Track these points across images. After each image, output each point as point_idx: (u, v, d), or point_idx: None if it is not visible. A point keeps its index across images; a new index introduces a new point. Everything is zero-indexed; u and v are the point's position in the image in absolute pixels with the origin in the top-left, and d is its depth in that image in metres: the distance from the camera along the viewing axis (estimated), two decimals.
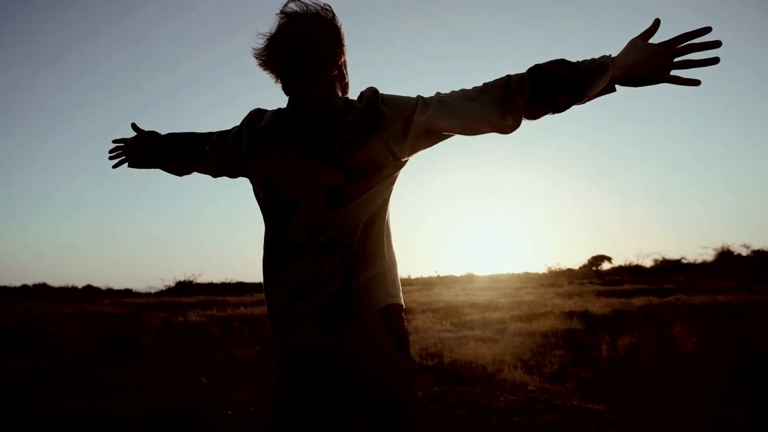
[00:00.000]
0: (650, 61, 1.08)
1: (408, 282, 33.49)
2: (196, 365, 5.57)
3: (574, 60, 1.11)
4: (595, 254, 32.56)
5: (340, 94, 1.25)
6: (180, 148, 1.46)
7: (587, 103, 1.15)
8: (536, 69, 1.10)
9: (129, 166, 1.56)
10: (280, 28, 1.18)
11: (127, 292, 27.70)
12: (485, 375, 4.54)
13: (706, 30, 1.06)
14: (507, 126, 1.11)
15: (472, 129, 1.13)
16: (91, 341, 6.93)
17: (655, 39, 1.10)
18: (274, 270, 1.18)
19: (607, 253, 32.20)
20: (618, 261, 31.28)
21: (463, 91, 1.14)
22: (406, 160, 1.18)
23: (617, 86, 1.15)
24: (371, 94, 1.15)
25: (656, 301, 10.59)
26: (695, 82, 1.08)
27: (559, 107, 1.10)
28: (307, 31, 1.16)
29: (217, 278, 30.83)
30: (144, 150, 1.52)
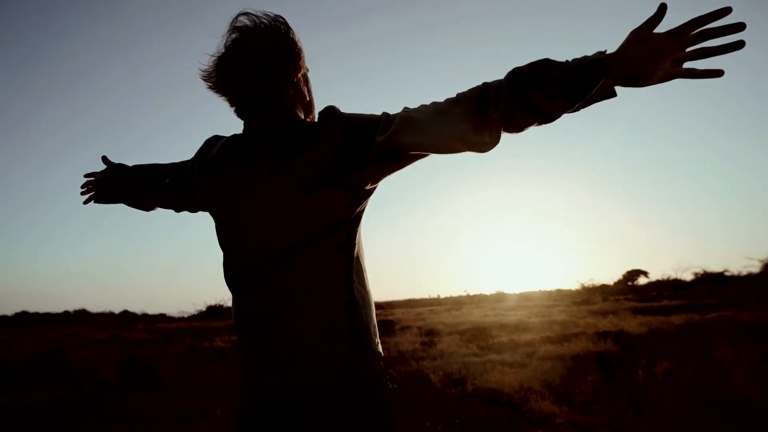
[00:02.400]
0: (657, 54, 0.89)
1: (437, 302, 33.05)
2: (214, 394, 5.45)
3: (562, 59, 0.94)
4: (630, 268, 31.41)
5: (302, 115, 1.13)
6: (142, 181, 1.36)
7: (583, 109, 0.97)
8: (515, 73, 0.93)
9: (95, 201, 1.47)
10: (228, 45, 1.07)
11: (161, 317, 28.22)
12: (511, 405, 4.26)
13: (725, 11, 0.87)
14: (483, 143, 0.94)
15: (443, 147, 0.97)
16: (114, 369, 6.94)
17: (661, 28, 0.91)
18: (242, 301, 1.06)
19: (643, 267, 30.99)
20: (655, 275, 30.02)
21: (434, 104, 0.99)
22: (373, 188, 1.04)
23: (620, 88, 0.96)
24: (328, 113, 1.03)
25: (697, 318, 9.98)
26: (716, 73, 0.89)
27: (546, 116, 0.93)
28: (257, 46, 1.04)
29: None
30: (110, 184, 1.43)
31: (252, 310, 1.03)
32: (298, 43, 1.09)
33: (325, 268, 0.99)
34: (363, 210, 1.06)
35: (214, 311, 27.49)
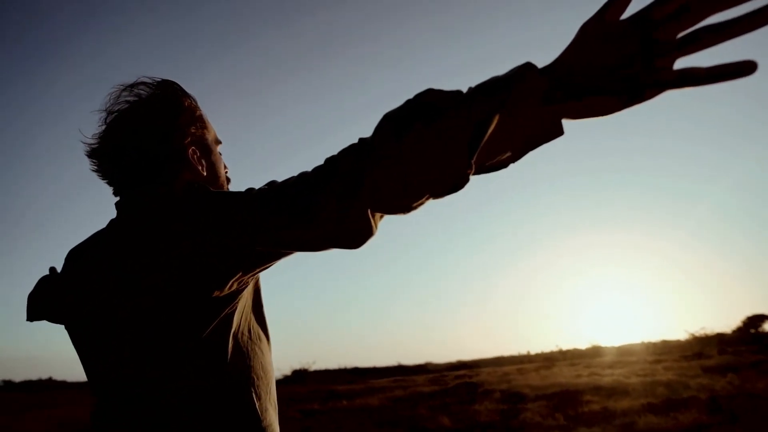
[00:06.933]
0: (620, 54, 0.53)
1: (527, 359, 31.06)
2: None
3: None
4: (751, 313, 27.56)
5: None
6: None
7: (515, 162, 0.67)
8: (387, 119, 0.63)
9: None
10: (103, 124, 0.88)
11: None
12: None
13: None
14: (345, 236, 0.65)
15: (304, 242, 0.69)
16: None
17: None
18: None
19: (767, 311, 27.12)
20: None
21: (300, 176, 0.71)
22: (230, 292, 0.75)
23: (570, 119, 0.60)
24: (188, 193, 0.78)
25: None
26: (745, 69, 0.48)
27: (438, 187, 0.62)
28: (135, 118, 0.85)
29: (332, 365, 31.06)
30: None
31: None
32: (196, 111, 0.90)
33: (193, 398, 0.74)
34: (232, 314, 0.77)
35: (299, 375, 27.61)
